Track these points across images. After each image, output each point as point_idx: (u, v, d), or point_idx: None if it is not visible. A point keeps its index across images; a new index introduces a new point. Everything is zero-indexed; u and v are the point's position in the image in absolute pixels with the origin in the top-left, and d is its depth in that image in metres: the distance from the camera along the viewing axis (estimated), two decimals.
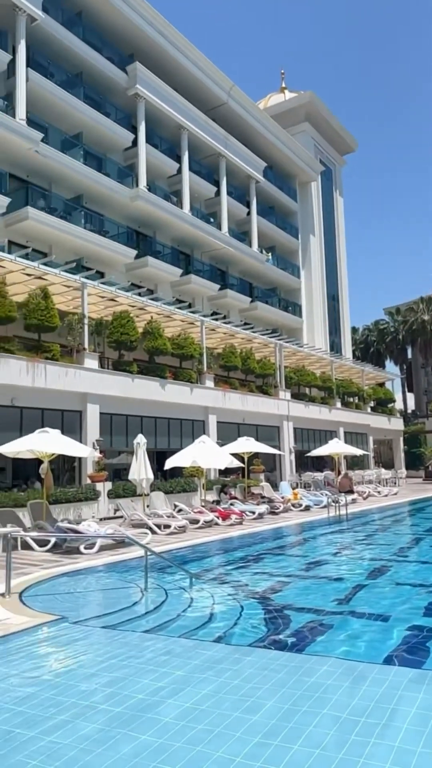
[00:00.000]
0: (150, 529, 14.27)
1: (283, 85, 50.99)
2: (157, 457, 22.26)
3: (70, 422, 19.53)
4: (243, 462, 20.02)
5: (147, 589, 8.25)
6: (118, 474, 21.99)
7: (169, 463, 17.09)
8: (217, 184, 35.80)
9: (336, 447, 26.20)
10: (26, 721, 4.03)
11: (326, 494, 22.66)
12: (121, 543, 12.50)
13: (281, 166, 43.81)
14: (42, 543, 12.12)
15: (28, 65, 24.38)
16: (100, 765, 3.40)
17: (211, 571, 10.15)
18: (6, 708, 4.29)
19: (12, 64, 23.98)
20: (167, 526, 14.59)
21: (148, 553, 8.35)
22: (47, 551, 11.96)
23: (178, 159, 32.63)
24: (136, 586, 8.70)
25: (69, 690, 4.64)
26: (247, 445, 20.25)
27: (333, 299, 49.71)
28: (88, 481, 18.76)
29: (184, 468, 20.98)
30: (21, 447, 12.94)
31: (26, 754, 3.52)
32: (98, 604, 8.13)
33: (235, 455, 18.64)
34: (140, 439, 16.35)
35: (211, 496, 20.65)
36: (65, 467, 20.48)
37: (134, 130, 29.88)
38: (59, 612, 6.95)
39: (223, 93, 35.72)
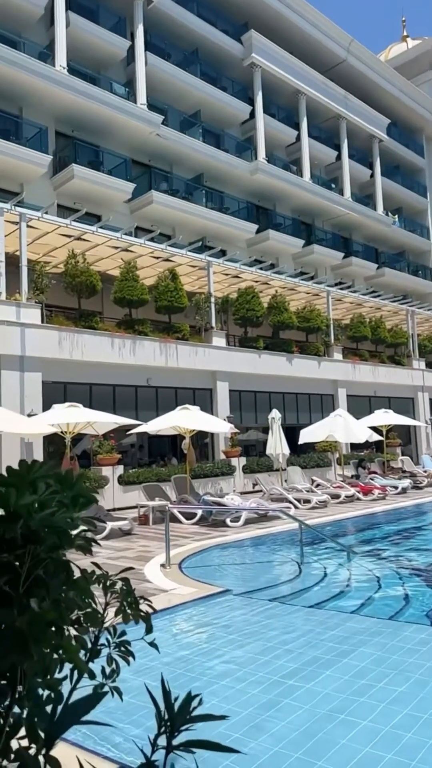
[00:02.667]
0: (290, 503, 14.18)
1: (405, 34, 47.52)
2: (287, 433, 22.12)
3: (201, 400, 19.90)
4: (382, 435, 19.27)
5: (303, 563, 8.15)
6: (247, 450, 22.15)
7: (303, 437, 16.86)
8: (337, 147, 34.37)
9: None
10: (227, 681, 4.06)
11: None
12: (264, 516, 12.53)
13: (406, 121, 41.11)
14: (189, 516, 12.47)
15: (146, 49, 24.75)
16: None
17: (363, 546, 9.85)
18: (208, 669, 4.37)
19: (131, 50, 24.43)
20: (307, 501, 14.44)
21: (303, 528, 8.22)
22: (194, 524, 12.29)
23: (296, 126, 31.70)
24: (290, 560, 8.64)
25: (263, 659, 4.63)
26: (385, 417, 19.47)
27: None
28: (223, 456, 19.06)
29: (316, 443, 20.66)
30: (164, 424, 13.35)
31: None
32: (258, 577, 8.16)
33: (372, 429, 17.98)
34: (275, 414, 16.27)
35: (347, 471, 20.17)
36: (196, 443, 20.99)
37: (251, 101, 29.41)
38: (221, 584, 7.05)
39: (342, 50, 34.01)
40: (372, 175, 36.81)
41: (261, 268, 23.48)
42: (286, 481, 16.62)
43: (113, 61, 24.36)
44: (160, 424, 13.47)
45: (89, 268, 17.81)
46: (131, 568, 2.37)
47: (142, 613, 2.06)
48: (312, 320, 24.20)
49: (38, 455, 14.72)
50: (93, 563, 2.13)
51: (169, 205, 24.66)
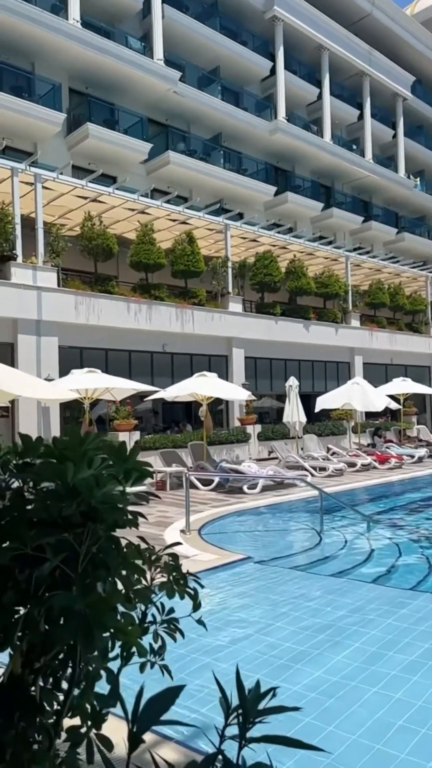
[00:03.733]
0: (306, 471, 14.17)
1: None
2: (302, 401, 21.98)
3: (217, 367, 19.76)
4: (399, 404, 19.11)
5: (323, 531, 8.14)
6: (261, 418, 22.09)
7: (320, 405, 16.76)
8: (359, 107, 33.23)
9: None
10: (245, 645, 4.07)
11: None
12: (281, 483, 12.55)
13: (431, 79, 39.57)
14: (205, 482, 12.52)
15: (163, 1, 23.81)
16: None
17: (382, 515, 9.83)
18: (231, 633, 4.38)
19: (147, 2, 23.50)
20: (323, 469, 14.43)
21: (323, 496, 8.18)
22: (211, 490, 12.34)
23: (317, 84, 30.62)
24: (310, 528, 8.64)
25: (288, 628, 4.63)
26: (403, 386, 19.26)
27: None
28: (238, 423, 19.04)
29: (331, 411, 20.56)
30: (182, 391, 13.30)
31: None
32: (277, 545, 8.17)
33: (390, 397, 17.81)
34: (292, 382, 16.15)
35: (363, 439, 20.10)
36: (211, 410, 20.91)
37: (272, 57, 28.38)
38: (241, 550, 7.06)
39: (367, 3, 32.54)
40: (394, 136, 35.66)
41: (279, 232, 23.03)
42: (302, 449, 16.60)
43: (128, 14, 23.49)
44: (178, 391, 13.42)
45: (105, 230, 17.52)
46: (178, 543, 2.30)
47: (189, 590, 1.99)
48: (330, 286, 23.81)
49: (55, 421, 14.77)
50: (139, 537, 2.05)
51: (186, 165, 24.09)
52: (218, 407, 20.54)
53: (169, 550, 2.05)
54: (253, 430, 18.75)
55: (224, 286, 20.40)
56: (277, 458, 15.55)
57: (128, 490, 1.64)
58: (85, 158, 21.38)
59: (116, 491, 1.56)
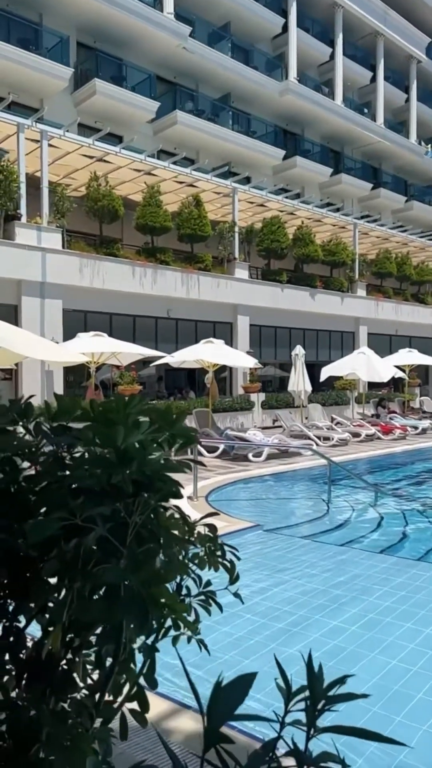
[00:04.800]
0: (311, 440, 14.16)
1: None
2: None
3: (221, 334, 19.54)
4: (406, 374, 19.01)
5: (330, 501, 8.14)
6: (263, 386, 21.99)
7: (326, 373, 16.67)
8: (372, 69, 32.22)
9: None
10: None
11: None
12: (285, 452, 12.54)
13: None
14: (210, 449, 12.50)
15: None
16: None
17: (388, 486, 9.84)
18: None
19: None
20: (327, 439, 14.42)
21: (332, 465, 8.16)
22: (216, 457, 12.34)
23: (330, 43, 29.61)
24: (317, 497, 8.64)
25: (301, 598, 4.63)
26: (409, 357, 19.14)
27: None
28: (241, 391, 18.97)
29: (335, 380, 20.48)
30: (189, 357, 13.17)
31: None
32: (285, 513, 8.19)
33: (396, 368, 17.70)
34: (299, 351, 16.01)
35: (366, 410, 20.08)
36: (215, 378, 20.84)
37: (284, 14, 27.36)
38: (249, 518, 7.06)
39: None
40: (407, 100, 34.70)
41: (286, 198, 22.55)
42: (306, 418, 16.57)
43: None
44: (185, 356, 13.31)
45: (111, 191, 17.13)
46: (216, 514, 2.22)
47: (226, 563, 1.91)
48: (338, 254, 23.46)
49: (59, 384, 14.68)
50: (174, 507, 1.97)
51: (194, 126, 23.45)
52: (221, 375, 20.43)
53: (205, 520, 1.97)
54: (257, 398, 18.69)
55: (231, 252, 20.08)
56: (281, 427, 15.53)
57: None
58: (91, 116, 20.78)
59: (171, 458, 1.47)
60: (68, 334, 14.21)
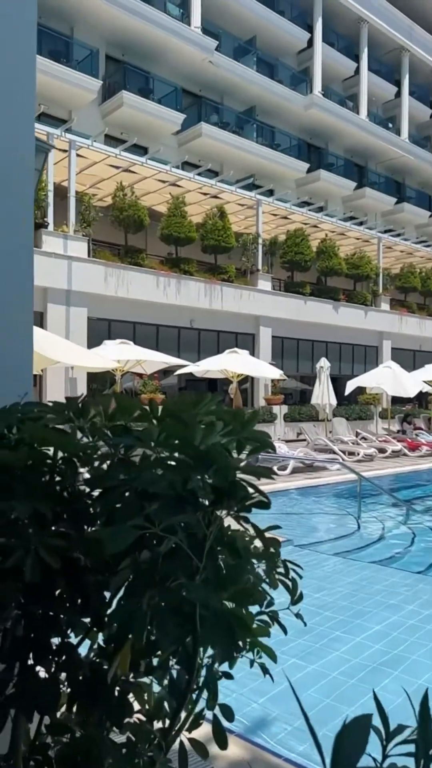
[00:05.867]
0: (336, 454, 13.89)
1: None
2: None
3: (243, 345, 19.42)
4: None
5: (360, 517, 7.89)
6: (284, 399, 21.73)
7: (351, 386, 16.42)
8: (397, 84, 32.18)
9: None
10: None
11: None
12: (310, 466, 12.30)
13: None
14: None
15: None
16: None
17: (419, 503, 9.55)
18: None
19: None
20: (352, 453, 14.13)
21: (362, 481, 7.92)
22: None
23: (355, 58, 29.64)
24: (346, 513, 8.40)
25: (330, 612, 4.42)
26: None
27: None
28: (263, 403, 18.77)
29: (359, 395, 20.19)
30: (213, 366, 13.04)
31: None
32: (314, 529, 7.96)
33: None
34: (324, 363, 15.80)
35: (391, 425, 19.72)
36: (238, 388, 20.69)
37: (309, 29, 27.47)
38: (278, 533, 6.83)
39: None
40: None
41: (310, 210, 22.46)
42: (330, 432, 16.30)
43: None
44: (209, 366, 13.17)
45: (137, 201, 17.17)
46: (277, 527, 2.04)
47: (288, 581, 1.73)
48: (361, 267, 23.27)
49: (82, 391, 14.62)
50: (235, 518, 1.80)
51: (219, 138, 23.52)
52: (243, 386, 20.25)
53: (268, 534, 1.79)
54: (279, 410, 18.47)
55: (254, 263, 19.99)
56: (305, 440, 15.28)
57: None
58: (117, 127, 20.95)
59: (255, 462, 1.31)
60: (92, 342, 14.17)
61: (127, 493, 1.27)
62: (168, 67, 22.94)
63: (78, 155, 15.73)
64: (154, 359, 12.04)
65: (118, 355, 11.54)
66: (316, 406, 16.26)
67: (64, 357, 7.81)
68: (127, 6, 20.20)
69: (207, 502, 1.27)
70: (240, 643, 1.26)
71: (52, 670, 1.29)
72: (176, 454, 1.31)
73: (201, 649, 1.29)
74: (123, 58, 21.98)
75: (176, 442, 1.29)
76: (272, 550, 1.78)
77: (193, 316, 18.25)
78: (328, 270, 22.30)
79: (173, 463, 1.31)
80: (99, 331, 15.23)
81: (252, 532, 1.54)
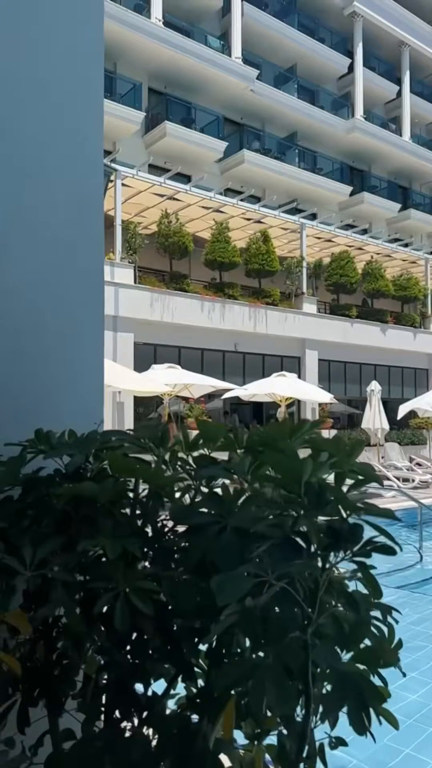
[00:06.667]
0: (390, 481, 13.40)
1: None
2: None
3: (289, 368, 19.17)
4: None
5: (422, 548, 7.49)
6: (333, 423, 21.27)
7: (403, 410, 15.93)
8: None
9: None
10: None
11: None
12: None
13: None
14: None
15: None
16: None
17: None
18: None
19: (227, 0, 23.29)
20: (407, 480, 13.61)
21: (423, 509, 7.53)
22: None
23: (397, 81, 29.59)
24: (405, 543, 7.98)
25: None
26: None
27: None
28: None
29: (410, 419, 19.59)
30: (261, 390, 12.85)
31: None
32: (372, 560, 7.56)
33: None
34: (374, 386, 15.41)
35: None
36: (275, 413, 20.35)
37: (350, 54, 27.62)
38: None
39: None
40: None
41: (354, 233, 22.25)
42: (383, 457, 15.79)
43: (208, 12, 23.38)
44: (257, 389, 12.99)
45: (182, 228, 17.33)
46: (371, 567, 1.81)
47: (385, 627, 1.51)
48: (409, 289, 22.81)
49: (129, 416, 14.63)
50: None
51: (261, 164, 23.68)
52: (289, 410, 19.94)
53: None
54: (329, 434, 18.04)
55: (298, 287, 19.84)
56: None
57: None
58: (161, 157, 21.32)
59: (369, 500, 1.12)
60: (138, 367, 14.20)
61: (220, 532, 1.10)
62: (210, 96, 23.35)
63: (123, 184, 16.02)
64: (203, 383, 11.94)
65: (167, 379, 11.49)
66: (367, 430, 15.81)
67: (120, 382, 7.78)
68: (168, 40, 20.73)
69: (317, 546, 1.08)
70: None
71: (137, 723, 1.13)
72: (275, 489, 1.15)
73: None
74: (165, 90, 22.50)
75: (278, 475, 1.13)
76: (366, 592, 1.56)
77: (238, 340, 18.17)
78: (375, 292, 21.95)
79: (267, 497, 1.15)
80: (145, 356, 15.28)
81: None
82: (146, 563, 1.17)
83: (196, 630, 1.11)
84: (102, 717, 1.16)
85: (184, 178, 20.50)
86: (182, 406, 15.21)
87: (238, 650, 1.11)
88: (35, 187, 1.55)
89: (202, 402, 14.76)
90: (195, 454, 1.28)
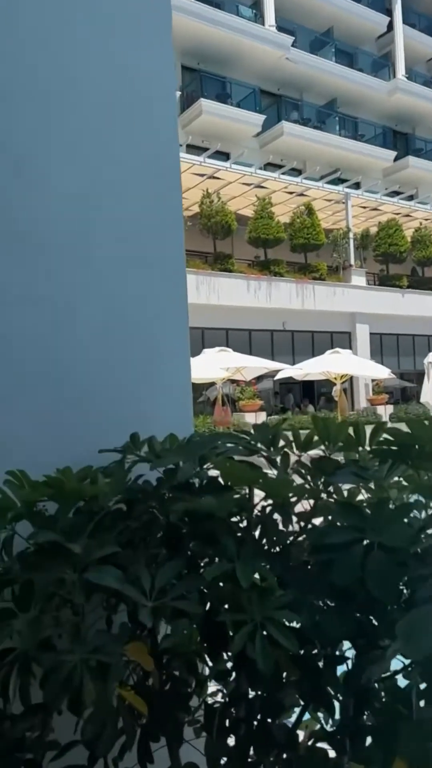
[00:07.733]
0: None
1: None
2: None
3: (339, 344, 18.69)
4: None
5: None
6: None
7: None
8: None
9: None
10: None
11: None
12: None
13: None
14: None
15: None
16: None
17: None
18: None
19: None
20: None
21: None
22: None
23: None
24: None
25: None
26: None
27: None
28: (365, 404, 17.98)
29: None
30: (315, 368, 12.56)
31: None
32: None
33: None
34: (431, 358, 14.80)
35: None
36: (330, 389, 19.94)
37: (388, 12, 26.35)
38: None
39: None
40: None
41: (401, 200, 21.40)
42: None
43: None
44: (311, 368, 12.69)
45: (224, 207, 17.03)
46: None
47: None
48: None
49: None
50: None
51: (301, 135, 22.98)
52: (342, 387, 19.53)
53: None
54: (384, 410, 17.59)
55: (346, 259, 19.28)
56: None
57: None
58: (199, 135, 20.95)
59: None
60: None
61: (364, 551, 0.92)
62: (244, 69, 22.73)
63: None
64: (255, 365, 11.74)
65: (220, 363, 11.34)
66: (426, 404, 15.27)
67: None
68: (199, 14, 20.20)
69: None
70: None
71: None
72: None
73: None
74: (198, 66, 22.01)
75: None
76: None
77: (286, 318, 17.83)
78: (426, 259, 21.14)
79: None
80: (193, 340, 15.11)
81: None
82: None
83: (335, 657, 0.96)
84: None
85: (224, 156, 20.08)
86: (232, 388, 15.05)
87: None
88: (114, 163, 1.37)
89: (253, 383, 14.55)
90: (310, 453, 1.11)
